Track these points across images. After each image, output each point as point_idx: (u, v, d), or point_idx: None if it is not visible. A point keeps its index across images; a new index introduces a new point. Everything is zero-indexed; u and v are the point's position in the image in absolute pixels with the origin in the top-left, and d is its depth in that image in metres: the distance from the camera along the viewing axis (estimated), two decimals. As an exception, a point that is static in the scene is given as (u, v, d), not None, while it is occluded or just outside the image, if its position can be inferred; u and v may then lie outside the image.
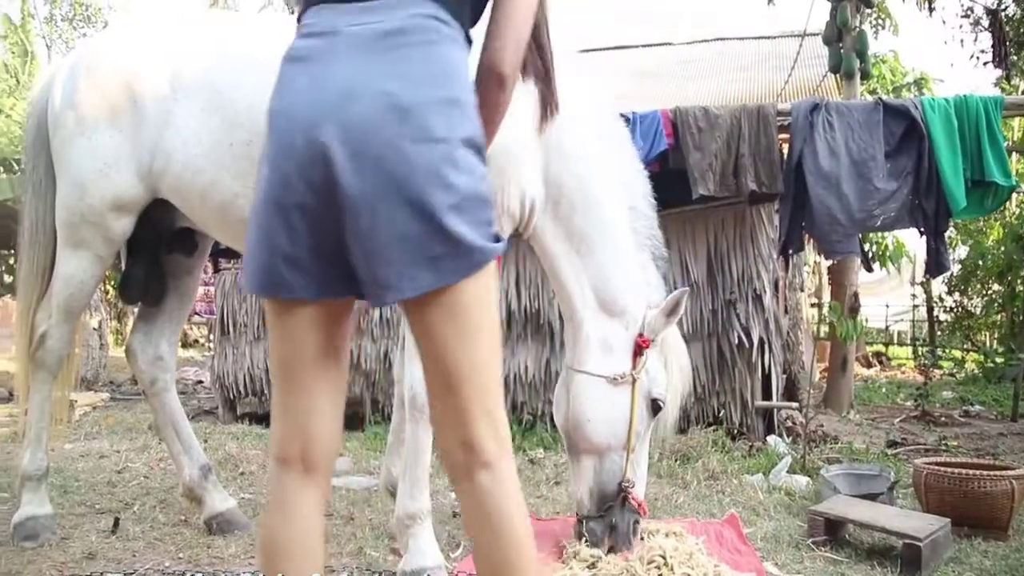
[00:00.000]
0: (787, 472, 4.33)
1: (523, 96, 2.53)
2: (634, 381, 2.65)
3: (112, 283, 11.80)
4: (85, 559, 2.90)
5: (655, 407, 2.72)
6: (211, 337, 7.95)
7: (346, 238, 1.26)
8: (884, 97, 5.48)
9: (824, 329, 11.02)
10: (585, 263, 2.69)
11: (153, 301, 3.29)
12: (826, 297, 13.60)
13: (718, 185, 4.85)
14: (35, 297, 3.09)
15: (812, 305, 14.04)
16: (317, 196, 1.26)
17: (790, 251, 5.09)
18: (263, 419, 6.55)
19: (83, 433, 5.75)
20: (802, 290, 9.97)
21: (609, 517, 2.70)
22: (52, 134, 2.94)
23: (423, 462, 2.64)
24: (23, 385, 3.15)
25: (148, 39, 2.93)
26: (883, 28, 11.27)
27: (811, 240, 5.90)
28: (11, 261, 10.19)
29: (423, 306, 1.28)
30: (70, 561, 2.87)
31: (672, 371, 2.77)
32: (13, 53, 11.65)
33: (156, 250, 3.21)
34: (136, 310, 3.52)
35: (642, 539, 2.93)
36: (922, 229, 4.59)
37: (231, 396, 6.65)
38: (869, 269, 5.01)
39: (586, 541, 2.74)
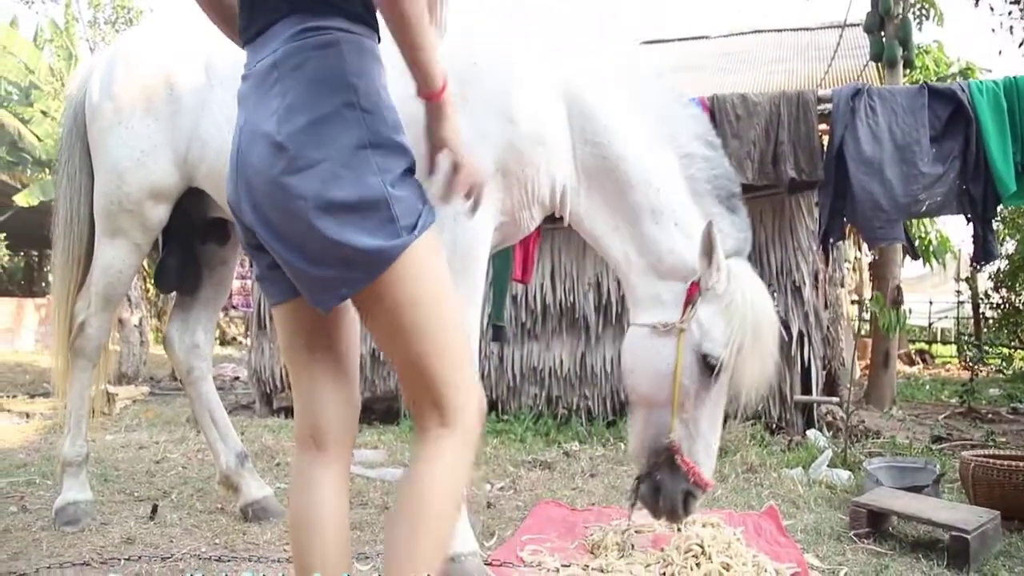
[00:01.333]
0: (827, 466, 4.23)
1: (548, 87, 2.53)
2: (681, 331, 2.47)
3: (151, 280, 12.02)
4: (124, 543, 2.93)
5: (708, 364, 2.47)
6: (248, 334, 8.04)
7: None
8: (929, 82, 5.32)
9: (865, 327, 10.81)
10: (630, 234, 2.60)
11: (188, 290, 3.32)
12: (867, 294, 13.34)
13: (756, 173, 4.75)
14: (72, 286, 3.13)
15: (853, 302, 13.80)
16: (252, 235, 1.44)
17: (831, 240, 4.97)
18: (299, 413, 6.61)
19: (123, 425, 5.85)
20: (842, 285, 9.78)
21: (655, 477, 2.54)
22: (90, 125, 2.99)
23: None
24: (62, 376, 3.19)
25: (184, 30, 2.96)
26: (927, 19, 10.99)
27: (852, 230, 5.76)
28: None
29: (358, 307, 1.44)
30: (109, 545, 2.91)
31: (734, 326, 2.44)
32: (59, 56, 11.94)
33: (191, 240, 3.24)
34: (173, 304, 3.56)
35: (678, 529, 2.88)
36: (969, 215, 4.45)
37: (268, 390, 6.72)
38: (915, 256, 4.86)
39: (634, 503, 2.63)
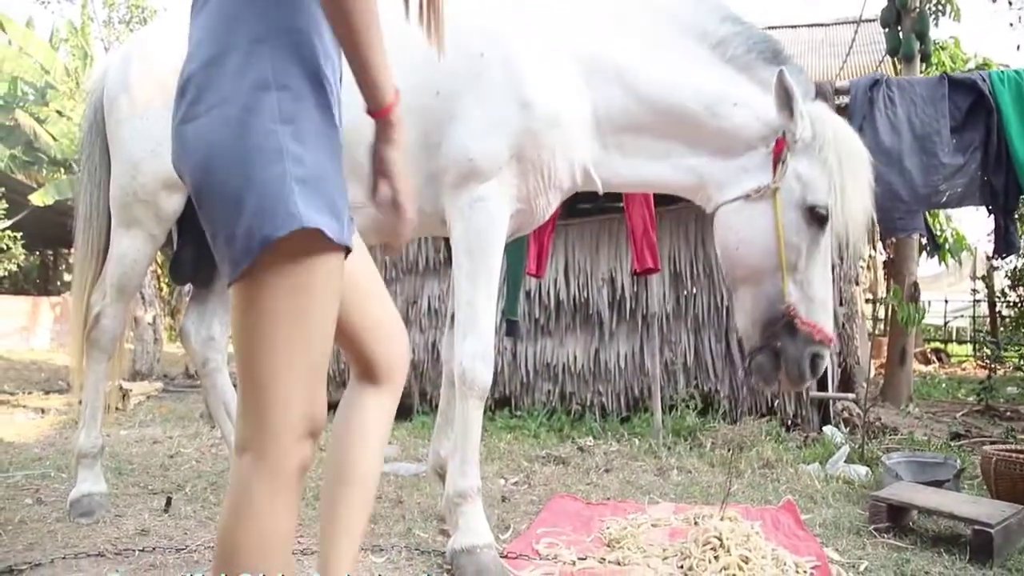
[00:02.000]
0: (845, 462, 4.19)
1: (558, 58, 2.51)
2: (775, 192, 2.41)
3: (166, 279, 12.07)
4: (138, 535, 2.93)
5: (816, 216, 2.39)
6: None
7: None
8: (948, 72, 5.26)
9: (880, 326, 10.72)
10: (690, 148, 2.56)
11: (203, 283, 3.32)
12: (882, 293, 13.24)
13: (773, 166, 4.70)
14: (90, 278, 3.15)
15: (867, 301, 13.69)
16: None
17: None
18: (312, 409, 6.62)
19: (137, 421, 5.87)
20: (857, 283, 9.70)
21: (773, 346, 2.44)
22: (107, 117, 3.00)
23: (474, 439, 2.60)
24: (79, 369, 3.20)
25: None
26: (943, 14, 10.84)
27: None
28: (71, 260, 10.52)
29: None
30: (123, 536, 2.90)
31: (833, 168, 2.37)
32: (74, 56, 12.02)
33: (204, 231, 3.24)
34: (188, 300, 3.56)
35: (696, 523, 2.85)
36: (991, 206, 4.38)
37: (281, 386, 6.71)
38: (936, 247, 4.79)
39: (754, 378, 2.55)
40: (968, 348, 15.55)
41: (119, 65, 3.05)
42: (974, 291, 14.23)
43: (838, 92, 4.67)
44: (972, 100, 4.29)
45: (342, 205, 1.28)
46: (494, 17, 2.58)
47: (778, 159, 2.42)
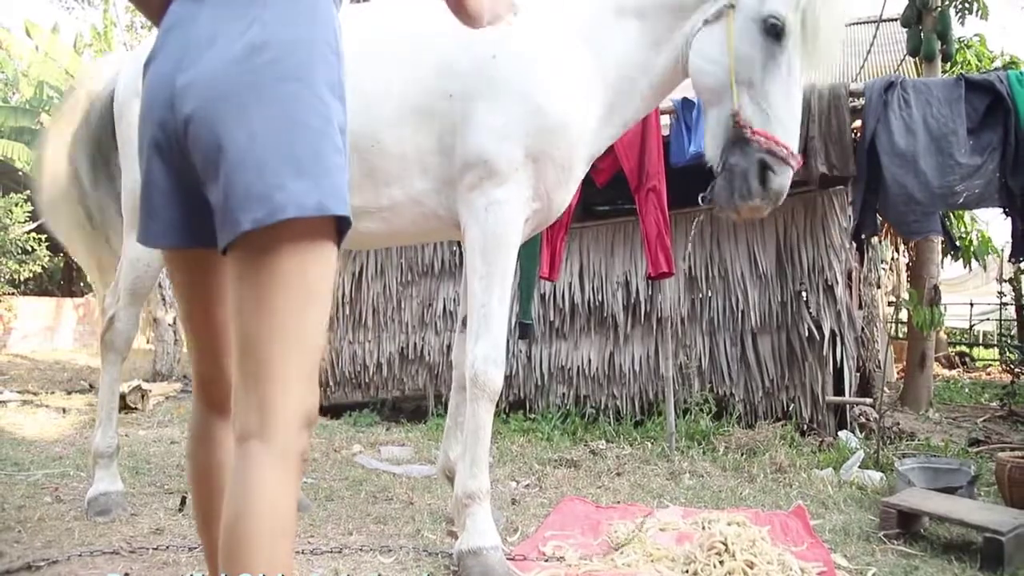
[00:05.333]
0: (859, 467, 4.15)
1: (569, 47, 2.53)
2: (730, 8, 2.36)
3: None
4: (153, 534, 2.98)
5: (771, 29, 2.28)
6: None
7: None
8: (966, 73, 5.20)
9: (903, 329, 10.57)
10: (672, 24, 2.55)
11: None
12: (904, 296, 13.06)
13: (786, 168, 4.67)
14: (97, 280, 3.19)
15: (889, 304, 13.53)
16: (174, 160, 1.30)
17: (863, 236, 4.87)
18: (327, 411, 6.66)
19: (156, 421, 5.94)
20: (878, 286, 9.59)
21: (726, 163, 2.36)
22: (118, 122, 3.04)
23: (483, 441, 2.61)
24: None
25: None
26: (970, 12, 10.63)
27: (890, 229, 5.63)
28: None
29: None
30: (139, 535, 2.95)
31: None
32: (97, 60, 12.22)
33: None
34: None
35: (704, 527, 2.85)
36: (1007, 208, 4.32)
37: (298, 387, 6.77)
38: (955, 248, 4.73)
39: (717, 206, 2.43)
40: (994, 352, 15.31)
41: (131, 69, 3.08)
42: (1000, 294, 14.01)
43: (852, 95, 4.64)
44: (990, 101, 4.24)
45: None
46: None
47: None
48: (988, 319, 16.67)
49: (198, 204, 1.27)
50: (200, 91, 1.21)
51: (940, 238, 5.17)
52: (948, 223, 5.02)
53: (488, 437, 2.65)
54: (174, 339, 10.66)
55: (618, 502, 3.59)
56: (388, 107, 2.58)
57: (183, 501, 3.36)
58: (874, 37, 8.56)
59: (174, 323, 10.46)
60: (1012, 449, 4.75)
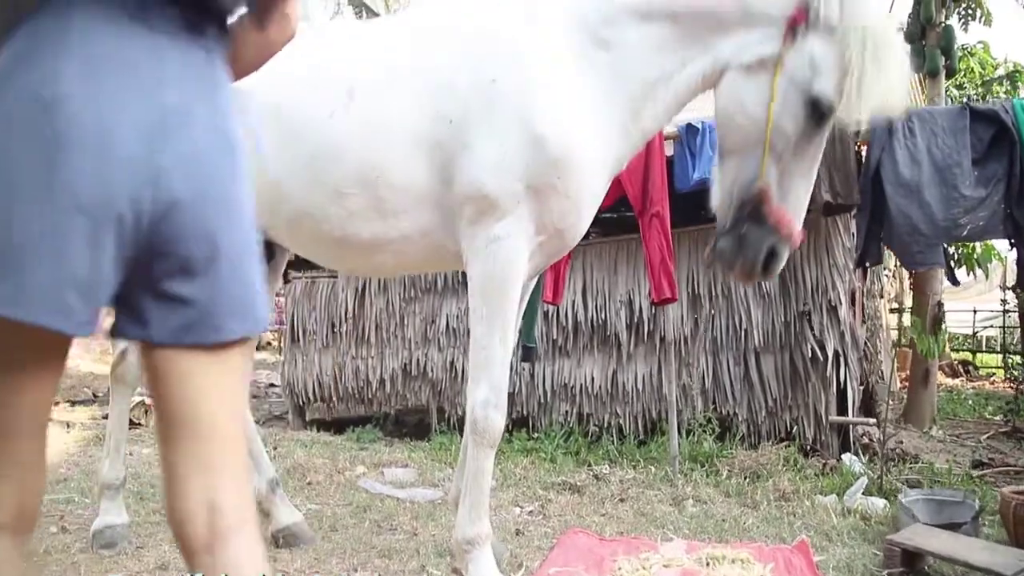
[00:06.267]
0: (863, 494, 4.15)
1: (577, 72, 2.43)
2: (778, 63, 2.21)
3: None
4: (158, 568, 2.99)
5: (816, 110, 2.16)
6: (281, 345, 8.17)
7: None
8: (971, 102, 5.19)
9: (905, 338, 10.56)
10: (707, 43, 2.38)
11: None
12: (908, 302, 13.06)
13: (790, 196, 4.67)
14: None
15: (892, 310, 13.51)
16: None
17: (867, 264, 4.88)
18: (331, 426, 6.70)
19: (161, 437, 5.95)
20: (881, 296, 9.57)
21: (738, 230, 2.30)
22: None
23: (484, 486, 2.61)
24: None
25: None
26: (973, 19, 10.61)
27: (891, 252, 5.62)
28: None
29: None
30: (144, 571, 2.97)
31: (852, 66, 2.08)
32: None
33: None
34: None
35: (708, 564, 2.85)
36: (1013, 240, 4.32)
37: (300, 403, 6.80)
38: (954, 282, 4.73)
39: (718, 263, 2.40)
40: (997, 358, 15.27)
41: None
42: (1003, 301, 13.97)
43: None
44: (995, 131, 4.23)
45: None
46: (506, 38, 2.48)
47: (791, 30, 2.20)
48: (992, 326, 16.64)
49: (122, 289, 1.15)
50: (193, 178, 1.14)
51: (943, 270, 5.15)
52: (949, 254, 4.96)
53: (488, 482, 2.64)
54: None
55: (621, 533, 3.59)
56: (391, 137, 2.50)
57: (188, 533, 3.37)
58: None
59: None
60: (1016, 473, 4.77)
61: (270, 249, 3.24)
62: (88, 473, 4.54)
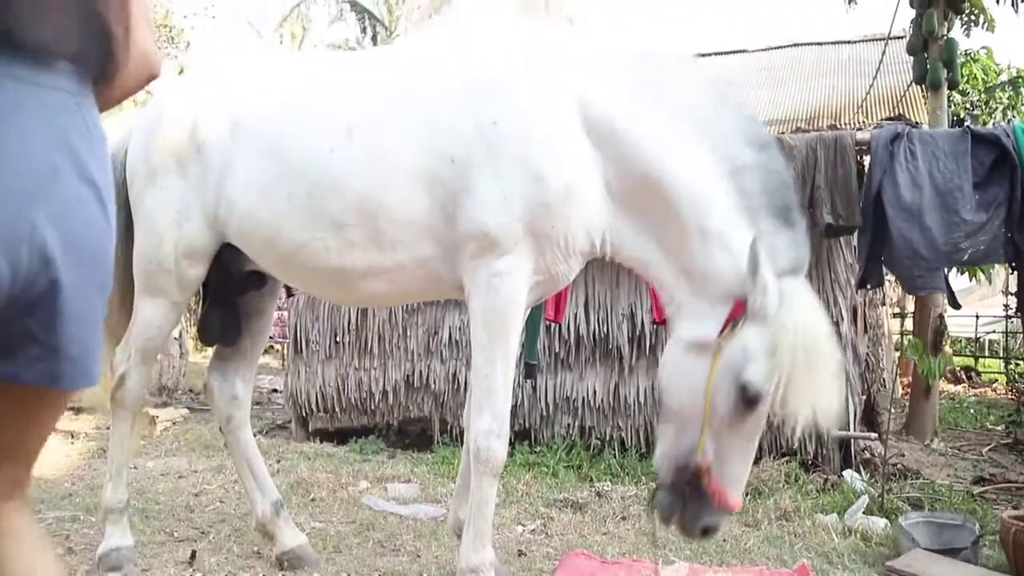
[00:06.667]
0: (864, 512, 4.17)
1: (571, 126, 2.51)
2: (717, 350, 2.31)
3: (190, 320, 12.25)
4: (163, 592, 3.01)
5: (746, 396, 2.25)
6: (284, 357, 8.20)
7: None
8: (972, 126, 5.21)
9: (907, 349, 10.55)
10: (677, 256, 2.47)
11: (231, 342, 3.38)
12: (910, 307, 13.07)
13: (792, 217, 4.68)
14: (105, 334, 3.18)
15: (895, 315, 13.51)
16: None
17: (868, 286, 4.89)
18: (333, 436, 6.71)
19: (163, 450, 5.98)
20: (883, 304, 9.58)
21: (677, 490, 2.40)
22: (129, 186, 3.06)
23: (487, 515, 2.63)
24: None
25: (210, 88, 3.01)
26: (976, 24, 10.59)
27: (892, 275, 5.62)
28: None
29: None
30: (149, 595, 2.99)
31: (781, 356, 2.18)
32: (104, 75, 12.23)
33: (230, 293, 3.30)
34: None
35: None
36: (1014, 264, 4.33)
37: (303, 413, 6.82)
38: (955, 305, 4.75)
39: (656, 513, 2.49)
40: (1000, 364, 15.27)
41: (139, 130, 3.09)
42: (1006, 307, 13.98)
43: (859, 145, 4.65)
44: (996, 155, 4.24)
45: None
46: (507, 80, 2.55)
47: (732, 319, 2.31)
48: (994, 331, 16.63)
49: None
50: (65, 236, 1.19)
51: (943, 294, 5.16)
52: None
53: (491, 510, 2.67)
54: (180, 352, 10.74)
55: (624, 554, 3.61)
56: (393, 171, 2.56)
57: (193, 555, 3.39)
58: (881, 59, 8.54)
59: (180, 336, 10.52)
60: (1018, 490, 4.78)
61: (262, 280, 3.28)
62: (93, 488, 4.55)
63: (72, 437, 6.37)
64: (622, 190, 2.53)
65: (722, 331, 2.32)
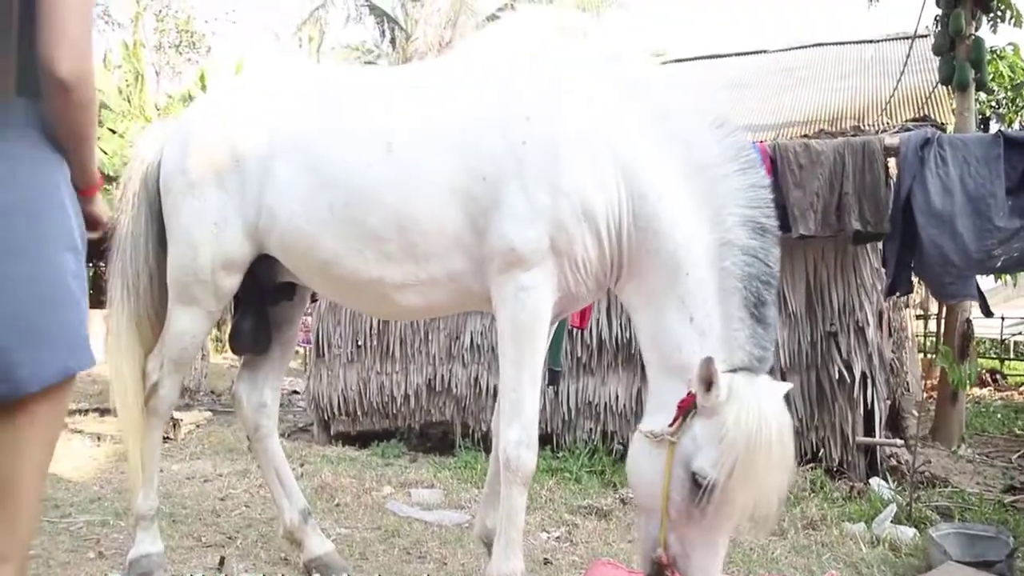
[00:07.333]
0: (891, 521, 4.13)
1: (601, 152, 2.52)
2: (672, 443, 2.31)
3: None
4: (193, 597, 3.04)
5: (695, 482, 2.25)
6: (307, 361, 8.25)
7: None
8: (1004, 130, 5.13)
9: (933, 355, 10.44)
10: (655, 316, 2.48)
11: (262, 350, 3.40)
12: (933, 308, 12.91)
13: (820, 225, 4.64)
14: (136, 342, 3.18)
15: (918, 317, 13.36)
16: None
17: (897, 294, 4.84)
18: (355, 439, 6.74)
19: (188, 453, 6.03)
20: (907, 306, 9.48)
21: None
22: (164, 197, 3.07)
23: (518, 524, 2.64)
24: (133, 431, 3.22)
25: (248, 99, 3.03)
26: (1002, 20, 10.37)
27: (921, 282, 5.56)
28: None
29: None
30: (179, 601, 3.01)
31: (725, 449, 2.18)
32: (127, 78, 12.41)
33: (261, 302, 3.31)
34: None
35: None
36: (1048, 272, 4.27)
37: (325, 417, 6.85)
38: (988, 314, 4.67)
39: None
40: (1024, 366, 15.11)
41: (175, 140, 3.11)
42: (1030, 308, 13.83)
43: (888, 150, 4.59)
44: (1031, 160, 4.17)
45: None
46: (536, 102, 2.58)
47: (683, 411, 2.32)
48: (1020, 334, 16.43)
49: None
50: None
51: (975, 302, 5.09)
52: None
53: (522, 520, 2.67)
54: (201, 353, 10.82)
55: (650, 563, 3.59)
56: (429, 187, 2.61)
57: (221, 561, 3.42)
58: (907, 58, 8.42)
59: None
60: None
61: (292, 288, 3.31)
62: (121, 492, 4.60)
63: (99, 440, 6.43)
64: (631, 232, 2.53)
65: (673, 422, 2.33)
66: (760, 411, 2.22)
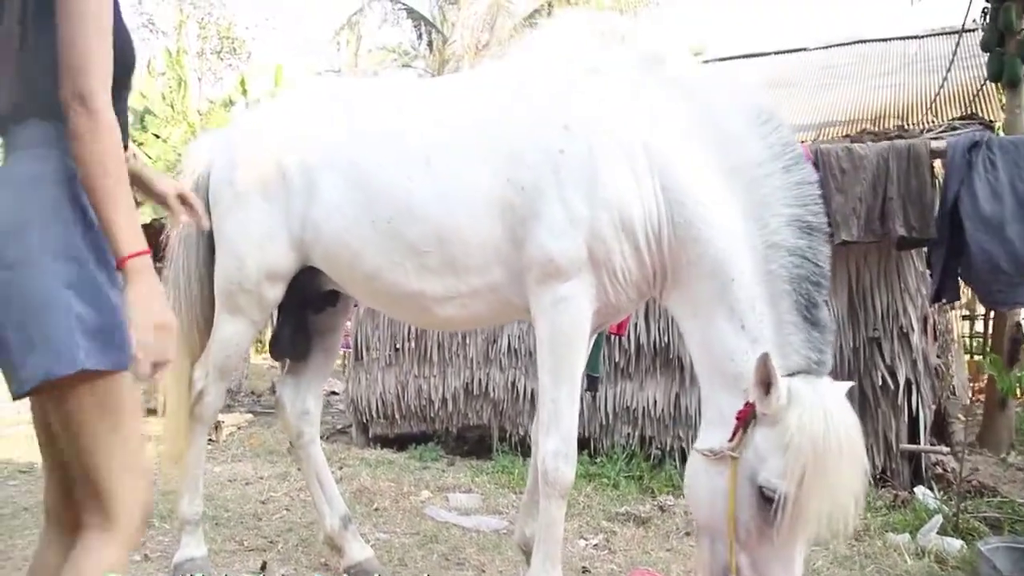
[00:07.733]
0: (937, 532, 4.04)
1: (639, 160, 2.50)
2: (733, 458, 2.22)
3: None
4: (237, 602, 3.09)
5: (764, 497, 2.14)
6: (345, 365, 8.35)
7: None
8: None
9: (976, 345, 10.16)
10: (704, 327, 2.41)
11: (300, 356, 3.45)
12: (979, 308, 12.58)
13: (863, 230, 4.55)
14: (184, 350, 3.26)
15: (964, 318, 13.04)
16: None
17: (944, 301, 4.74)
18: (393, 442, 6.79)
19: (230, 455, 6.14)
20: (953, 307, 9.26)
21: None
22: (212, 207, 3.13)
23: (556, 536, 2.65)
24: (176, 440, 3.30)
25: (295, 113, 3.09)
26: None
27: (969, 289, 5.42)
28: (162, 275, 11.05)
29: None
30: (224, 605, 3.07)
31: (791, 457, 2.07)
32: (171, 88, 12.68)
33: (304, 310, 3.36)
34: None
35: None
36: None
37: (364, 420, 6.92)
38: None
39: None
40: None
41: (223, 152, 3.17)
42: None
43: (934, 154, 4.49)
44: (1086, 163, 4.05)
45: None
46: (574, 110, 2.57)
47: (742, 423, 2.22)
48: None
49: None
50: None
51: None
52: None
53: (560, 531, 2.68)
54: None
55: (690, 572, 3.57)
56: (468, 199, 2.63)
57: (264, 566, 3.48)
58: (954, 54, 8.24)
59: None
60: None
61: (336, 297, 3.36)
62: (166, 494, 4.66)
63: (143, 440, 6.57)
64: (672, 238, 2.48)
65: (733, 436, 2.24)
66: (824, 412, 2.13)
